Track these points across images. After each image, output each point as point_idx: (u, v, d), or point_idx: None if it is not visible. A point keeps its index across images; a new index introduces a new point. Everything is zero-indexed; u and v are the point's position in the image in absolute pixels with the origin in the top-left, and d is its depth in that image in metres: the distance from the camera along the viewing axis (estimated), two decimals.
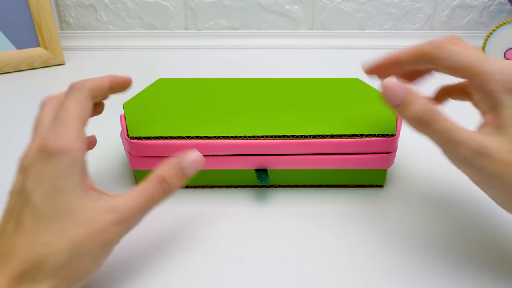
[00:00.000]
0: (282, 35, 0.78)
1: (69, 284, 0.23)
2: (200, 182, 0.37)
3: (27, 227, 0.23)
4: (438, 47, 0.27)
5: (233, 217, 0.34)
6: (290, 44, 0.77)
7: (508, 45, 0.63)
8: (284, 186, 0.37)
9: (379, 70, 0.31)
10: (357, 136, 0.34)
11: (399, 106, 0.26)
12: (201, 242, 0.31)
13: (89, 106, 0.27)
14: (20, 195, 0.24)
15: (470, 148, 0.24)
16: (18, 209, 0.24)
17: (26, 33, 0.66)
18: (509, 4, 0.75)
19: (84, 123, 0.27)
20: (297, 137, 0.34)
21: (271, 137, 0.34)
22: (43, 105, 0.29)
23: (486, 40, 0.64)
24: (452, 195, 0.36)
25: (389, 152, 0.35)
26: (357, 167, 0.36)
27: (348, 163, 0.35)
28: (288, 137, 0.34)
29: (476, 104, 0.28)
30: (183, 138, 0.34)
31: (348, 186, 0.37)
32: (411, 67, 0.30)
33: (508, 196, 0.24)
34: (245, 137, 0.34)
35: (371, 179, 0.37)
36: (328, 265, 0.29)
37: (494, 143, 0.24)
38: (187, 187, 0.37)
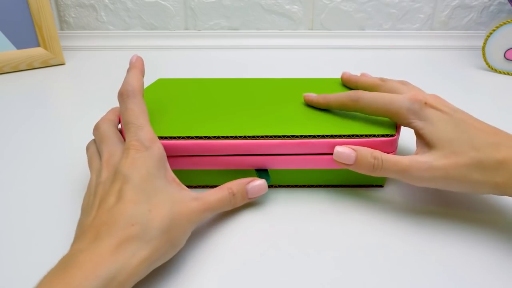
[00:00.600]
0: (282, 35, 0.78)
1: (168, 249, 0.26)
2: (201, 182, 0.37)
3: (131, 199, 0.26)
4: (355, 101, 0.35)
5: (233, 216, 0.34)
6: (290, 44, 0.77)
7: (508, 45, 0.63)
8: (284, 186, 0.37)
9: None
10: (357, 136, 0.34)
11: (352, 166, 0.33)
12: (201, 242, 0.31)
13: (145, 106, 0.32)
14: (115, 178, 0.27)
15: (417, 168, 0.31)
16: (117, 187, 0.27)
17: (26, 33, 0.66)
18: (509, 4, 0.75)
19: (148, 119, 0.32)
20: (297, 137, 0.34)
21: (271, 137, 0.34)
22: (95, 129, 0.34)
23: (486, 40, 0.64)
24: (451, 195, 0.36)
25: (389, 152, 0.35)
26: None
27: None
28: (288, 137, 0.34)
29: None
30: (183, 138, 0.34)
31: (348, 186, 0.37)
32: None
33: (464, 186, 0.30)
34: (245, 137, 0.34)
35: (371, 179, 0.37)
36: (328, 265, 0.29)
37: (430, 156, 0.31)
38: (189, 187, 0.37)
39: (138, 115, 0.31)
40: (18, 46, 0.66)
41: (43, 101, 0.56)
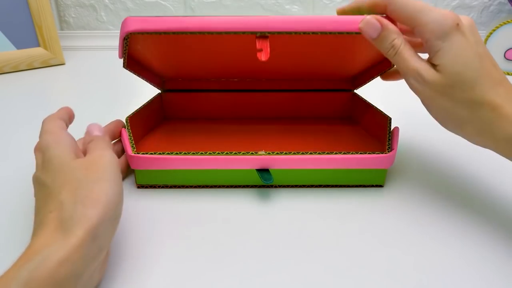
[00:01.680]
0: None
1: (102, 210, 0.25)
2: (201, 182, 0.37)
3: (44, 195, 0.27)
4: (388, 2, 0.32)
5: (233, 216, 0.34)
6: None
7: (508, 45, 0.63)
8: (284, 186, 0.37)
9: (348, 12, 0.36)
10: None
11: (374, 39, 0.32)
12: (203, 241, 0.31)
13: (61, 121, 0.33)
14: (36, 185, 0.28)
15: (414, 77, 0.31)
16: (36, 195, 0.28)
17: (26, 33, 0.66)
18: (509, 4, 0.75)
19: (63, 125, 0.33)
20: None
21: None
22: None
23: (486, 40, 0.64)
24: (451, 194, 0.36)
25: (389, 152, 0.35)
26: (357, 167, 0.36)
27: (348, 163, 0.35)
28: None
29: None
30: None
31: (348, 186, 0.37)
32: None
33: (439, 116, 0.31)
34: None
35: (371, 179, 0.37)
36: (328, 265, 0.29)
37: (431, 76, 0.30)
38: (188, 187, 0.37)
39: (48, 124, 0.32)
40: (18, 46, 0.66)
41: (43, 101, 0.56)
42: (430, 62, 0.31)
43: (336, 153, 0.35)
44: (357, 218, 0.34)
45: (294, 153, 0.35)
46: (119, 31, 0.79)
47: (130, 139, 0.36)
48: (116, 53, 0.74)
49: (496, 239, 0.31)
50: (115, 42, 0.77)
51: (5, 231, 0.32)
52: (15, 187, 0.38)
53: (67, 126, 0.34)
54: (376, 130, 0.40)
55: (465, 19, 0.31)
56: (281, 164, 0.35)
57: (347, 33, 0.32)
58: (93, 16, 0.77)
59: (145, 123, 0.41)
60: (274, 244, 0.31)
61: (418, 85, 0.31)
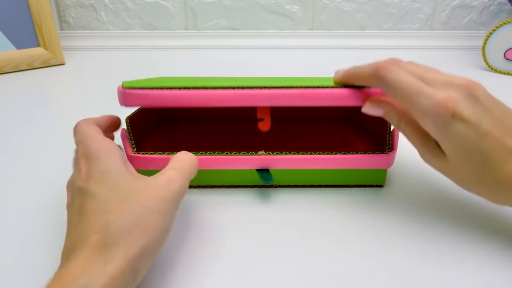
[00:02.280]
0: (282, 35, 0.78)
1: (147, 240, 0.24)
2: (203, 182, 0.37)
3: (91, 208, 0.25)
4: (379, 78, 0.31)
5: (233, 217, 0.34)
6: (290, 44, 0.77)
7: (508, 45, 0.63)
8: (284, 186, 0.37)
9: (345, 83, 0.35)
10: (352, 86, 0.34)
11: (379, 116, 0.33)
12: (203, 241, 0.31)
13: (97, 128, 0.31)
14: (74, 198, 0.26)
15: (421, 154, 0.31)
16: (78, 206, 0.26)
17: (26, 33, 0.66)
18: (509, 4, 0.75)
19: (101, 132, 0.30)
20: (294, 87, 0.33)
21: (265, 88, 0.33)
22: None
23: (486, 40, 0.64)
24: (452, 194, 0.36)
25: (389, 152, 0.35)
26: (357, 167, 0.36)
27: (348, 163, 0.35)
28: (287, 87, 0.33)
29: None
30: (180, 88, 0.33)
31: (348, 186, 0.37)
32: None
33: (454, 181, 0.30)
34: (244, 88, 0.33)
35: (371, 179, 0.37)
36: (328, 265, 0.29)
37: (437, 162, 0.30)
38: (190, 187, 0.37)
39: (84, 129, 0.30)
40: (18, 46, 0.66)
41: (43, 101, 0.56)
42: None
43: (336, 153, 0.35)
44: (357, 218, 0.34)
45: (294, 153, 0.35)
46: (119, 31, 0.79)
47: (130, 139, 0.36)
48: (116, 53, 0.74)
49: (496, 238, 0.31)
50: (115, 42, 0.77)
51: (3, 228, 0.32)
52: (14, 187, 0.38)
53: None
54: (376, 130, 0.40)
55: (462, 97, 0.28)
56: (281, 164, 0.35)
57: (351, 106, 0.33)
58: (93, 16, 0.77)
59: (145, 123, 0.41)
60: (274, 244, 0.31)
61: (430, 160, 0.30)
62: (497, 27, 0.63)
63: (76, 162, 0.28)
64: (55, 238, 0.31)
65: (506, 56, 0.64)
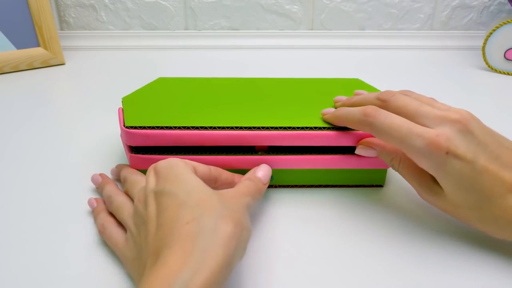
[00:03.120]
0: (282, 35, 0.78)
1: (239, 228, 0.24)
2: None
3: (173, 204, 0.24)
4: (368, 125, 0.30)
5: None
6: (290, 44, 0.77)
7: (508, 45, 0.63)
8: (284, 186, 0.37)
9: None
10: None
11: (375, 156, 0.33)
12: None
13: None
14: (146, 205, 0.26)
15: (423, 190, 0.31)
16: (152, 208, 0.25)
17: (26, 33, 0.66)
18: (509, 4, 0.75)
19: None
20: (294, 128, 0.34)
21: (268, 128, 0.33)
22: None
23: (486, 40, 0.64)
24: None
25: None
26: (357, 167, 0.36)
27: (348, 163, 0.35)
28: (286, 128, 0.34)
29: None
30: (180, 128, 0.34)
31: (348, 186, 0.37)
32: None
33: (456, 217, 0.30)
34: (242, 128, 0.33)
35: (371, 179, 0.37)
36: (328, 265, 0.29)
37: (434, 199, 0.30)
38: None
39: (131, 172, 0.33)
40: (18, 46, 0.66)
41: (43, 101, 0.56)
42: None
43: (336, 153, 0.35)
44: (357, 218, 0.34)
45: (294, 153, 0.35)
46: (119, 31, 0.79)
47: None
48: (116, 53, 0.74)
49: (496, 238, 0.31)
50: (115, 42, 0.77)
51: (3, 228, 0.32)
52: (14, 187, 0.38)
53: None
54: None
55: (455, 134, 0.27)
56: (281, 164, 0.35)
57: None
58: (93, 16, 0.77)
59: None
60: (274, 244, 0.31)
61: (428, 197, 0.30)
62: (497, 27, 0.63)
63: (147, 175, 0.28)
64: (55, 237, 0.31)
65: (506, 56, 0.64)
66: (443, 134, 0.27)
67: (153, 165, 0.28)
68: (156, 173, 0.27)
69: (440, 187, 0.29)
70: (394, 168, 0.32)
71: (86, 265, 0.29)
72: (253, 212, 0.31)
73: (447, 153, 0.27)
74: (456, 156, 0.27)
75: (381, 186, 0.38)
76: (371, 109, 0.30)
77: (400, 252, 0.30)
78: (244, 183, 0.30)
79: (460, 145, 0.27)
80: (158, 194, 0.25)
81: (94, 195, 0.36)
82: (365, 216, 0.34)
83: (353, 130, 0.34)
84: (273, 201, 0.36)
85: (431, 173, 0.28)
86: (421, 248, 0.31)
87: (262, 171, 0.33)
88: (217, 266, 0.21)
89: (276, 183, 0.37)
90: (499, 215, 0.27)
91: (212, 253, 0.21)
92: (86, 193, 0.36)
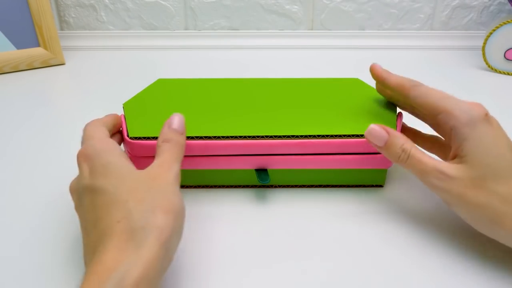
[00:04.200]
0: (282, 35, 0.78)
1: (172, 218, 0.24)
2: (200, 182, 0.37)
3: (103, 203, 0.25)
4: (413, 86, 0.32)
5: (233, 217, 0.34)
6: (290, 44, 0.77)
7: (508, 45, 0.63)
8: (284, 186, 0.37)
9: (375, 76, 0.36)
10: (357, 136, 0.34)
11: (381, 148, 0.32)
12: (201, 242, 0.31)
13: (105, 129, 0.31)
14: (82, 199, 0.26)
15: (437, 176, 0.29)
16: (88, 206, 0.25)
17: (26, 33, 0.66)
18: (509, 4, 0.75)
19: (107, 135, 0.31)
20: (297, 137, 0.34)
21: (271, 137, 0.34)
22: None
23: (486, 40, 0.64)
24: None
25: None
26: (357, 167, 0.36)
27: (348, 163, 0.35)
28: (288, 137, 0.34)
29: (443, 144, 0.35)
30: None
31: (348, 186, 0.37)
32: (392, 93, 0.35)
33: (472, 215, 0.28)
34: (245, 137, 0.34)
35: (371, 179, 0.37)
36: (328, 265, 0.29)
37: (456, 171, 0.28)
38: (188, 187, 0.37)
39: (90, 129, 0.30)
40: (18, 46, 0.66)
41: (43, 101, 0.56)
42: (454, 155, 0.29)
43: (336, 153, 0.35)
44: (357, 218, 0.34)
45: (293, 154, 0.35)
46: (119, 31, 0.79)
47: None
48: (116, 53, 0.74)
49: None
50: (115, 42, 0.77)
51: (2, 228, 0.32)
52: (14, 187, 0.38)
53: (110, 134, 0.32)
54: None
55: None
56: (280, 164, 0.35)
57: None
58: (93, 16, 0.77)
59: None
60: (274, 245, 0.31)
61: (442, 183, 0.29)
62: (497, 27, 0.63)
63: (78, 163, 0.28)
64: (55, 237, 0.31)
65: (506, 56, 0.64)
66: (482, 105, 0.29)
67: (82, 152, 0.28)
68: (87, 163, 0.27)
69: (455, 168, 0.28)
70: (402, 159, 0.31)
71: None
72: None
73: (486, 114, 0.28)
74: (492, 123, 0.28)
75: (381, 186, 0.38)
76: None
77: (400, 251, 0.30)
78: (165, 148, 0.29)
79: (494, 121, 0.29)
80: (90, 190, 0.26)
81: None
82: (365, 216, 0.34)
83: (356, 138, 0.34)
84: (272, 202, 0.36)
85: (462, 132, 0.28)
86: (421, 247, 0.31)
87: (176, 122, 0.31)
88: (152, 259, 0.22)
89: (276, 183, 0.37)
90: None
91: (146, 248, 0.22)
92: None
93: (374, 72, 0.35)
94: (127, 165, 0.27)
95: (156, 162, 0.28)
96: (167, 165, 0.28)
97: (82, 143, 0.30)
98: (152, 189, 0.25)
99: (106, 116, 0.34)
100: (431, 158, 0.30)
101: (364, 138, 0.34)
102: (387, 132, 0.31)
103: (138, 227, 0.23)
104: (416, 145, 0.31)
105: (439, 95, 0.30)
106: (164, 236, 0.23)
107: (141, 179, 0.26)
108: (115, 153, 0.28)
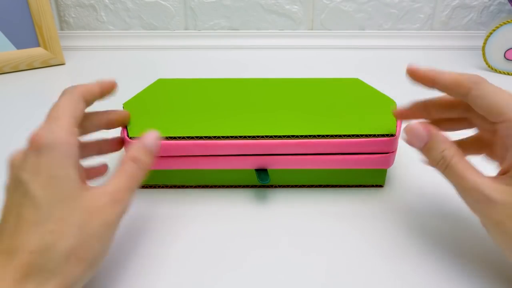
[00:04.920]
0: (282, 35, 0.78)
1: (83, 269, 0.23)
2: (201, 182, 0.37)
3: (30, 219, 0.23)
4: (475, 83, 0.28)
5: (234, 217, 0.34)
6: (290, 44, 0.77)
7: (508, 45, 0.63)
8: (284, 186, 0.37)
9: (419, 78, 0.30)
10: (357, 136, 0.34)
11: (421, 149, 0.28)
12: (201, 241, 0.31)
13: (81, 106, 0.28)
14: (16, 188, 0.24)
15: (476, 197, 0.25)
16: (16, 203, 0.23)
17: (26, 33, 0.66)
18: (509, 4, 0.75)
19: (76, 120, 0.27)
20: (297, 137, 0.34)
21: (271, 137, 0.34)
22: None
23: (486, 40, 0.64)
24: (451, 195, 0.36)
25: (389, 152, 0.35)
26: (357, 167, 0.36)
27: (348, 163, 0.35)
28: (288, 137, 0.34)
29: (494, 152, 0.29)
30: (183, 138, 0.34)
31: (348, 186, 0.37)
32: (444, 95, 0.30)
33: (508, 246, 0.25)
34: (245, 137, 0.34)
35: (371, 179, 0.37)
36: (328, 265, 0.29)
37: (501, 195, 0.24)
38: (188, 187, 0.37)
39: (62, 107, 0.26)
40: (18, 46, 0.66)
41: (44, 101, 0.56)
42: (505, 170, 0.25)
43: (336, 153, 0.35)
44: (357, 218, 0.34)
45: (293, 154, 0.35)
46: (119, 31, 0.79)
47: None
48: (116, 53, 0.74)
49: None
50: (115, 42, 0.77)
51: None
52: None
53: (88, 105, 0.29)
54: None
55: None
56: (280, 164, 0.35)
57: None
58: (93, 16, 0.77)
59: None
60: (274, 245, 0.31)
61: (481, 206, 0.25)
62: (497, 27, 0.63)
63: (29, 145, 0.24)
64: None
65: (506, 56, 0.64)
66: None
67: (38, 138, 0.24)
68: (36, 157, 0.24)
69: (500, 191, 0.25)
70: (440, 167, 0.27)
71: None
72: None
73: None
74: None
75: (381, 186, 0.38)
76: (478, 75, 0.28)
77: (400, 252, 0.30)
78: (127, 169, 0.27)
79: None
80: (24, 191, 0.23)
81: None
82: (365, 216, 0.34)
83: (356, 138, 0.34)
84: (272, 202, 0.36)
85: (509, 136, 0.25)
86: (421, 248, 0.31)
87: (151, 141, 0.29)
88: None
89: (276, 183, 0.37)
90: None
91: None
92: None
93: (417, 74, 0.30)
94: (72, 185, 0.24)
95: (108, 187, 0.25)
96: (117, 197, 0.25)
97: (47, 117, 0.26)
98: (81, 229, 0.23)
99: (91, 85, 0.30)
100: (475, 173, 0.26)
101: (364, 138, 0.34)
102: (430, 133, 0.28)
103: (45, 268, 0.22)
104: (460, 152, 0.27)
105: (504, 98, 0.26)
106: (67, 283, 0.22)
107: (77, 211, 0.23)
108: (69, 162, 0.24)
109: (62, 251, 0.22)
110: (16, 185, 0.24)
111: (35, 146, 0.24)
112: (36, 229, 0.22)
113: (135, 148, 0.28)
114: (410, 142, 0.29)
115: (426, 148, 0.28)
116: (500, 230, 0.25)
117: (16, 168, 0.25)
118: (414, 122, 0.29)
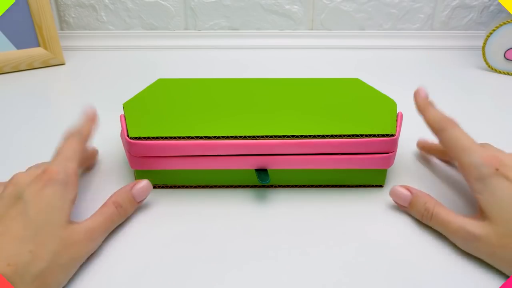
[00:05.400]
0: (282, 35, 0.78)
1: None
2: (201, 182, 0.37)
3: (16, 234, 0.25)
4: (441, 130, 0.32)
5: (234, 217, 0.34)
6: (290, 44, 0.77)
7: (508, 45, 0.63)
8: (284, 186, 0.37)
9: (416, 105, 0.36)
10: (357, 136, 0.34)
11: (406, 208, 0.33)
12: (201, 241, 0.31)
13: (84, 149, 0.33)
14: (14, 204, 0.27)
15: (463, 237, 0.29)
16: (9, 216, 0.26)
17: (26, 33, 0.66)
18: None
19: (80, 162, 0.31)
20: (297, 137, 0.34)
21: (271, 137, 0.34)
22: None
23: (486, 40, 0.64)
24: (451, 195, 0.36)
25: (389, 152, 0.35)
26: (357, 167, 0.36)
27: (348, 163, 0.35)
28: (288, 137, 0.34)
29: None
30: (183, 138, 0.34)
31: (348, 186, 0.37)
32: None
33: (508, 270, 0.28)
34: (245, 137, 0.34)
35: (371, 179, 0.37)
36: (328, 265, 0.29)
37: (482, 229, 0.28)
38: (188, 187, 0.37)
39: (73, 149, 0.31)
40: (18, 46, 0.66)
41: (43, 101, 0.56)
42: (480, 210, 0.29)
43: (336, 153, 0.35)
44: (357, 218, 0.34)
45: (293, 154, 0.35)
46: (119, 31, 0.79)
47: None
48: (116, 53, 0.74)
49: None
50: (115, 42, 0.77)
51: None
52: None
53: (84, 143, 0.33)
54: None
55: (507, 159, 0.29)
56: (280, 164, 0.35)
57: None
58: (93, 16, 0.77)
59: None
60: (274, 245, 0.31)
61: (469, 244, 0.29)
62: (497, 27, 0.63)
63: (45, 172, 0.28)
64: None
65: (506, 56, 0.64)
66: (496, 156, 0.29)
67: (53, 172, 0.28)
68: (45, 181, 0.28)
69: (480, 226, 0.28)
70: (426, 219, 0.32)
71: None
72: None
73: (497, 169, 0.28)
74: (506, 176, 0.28)
75: (381, 186, 0.38)
76: (452, 120, 0.32)
77: (400, 252, 0.30)
78: (110, 212, 0.31)
79: (510, 170, 0.28)
80: (22, 210, 0.26)
81: (93, 195, 0.36)
82: (364, 216, 0.34)
83: (356, 138, 0.34)
84: (272, 201, 0.36)
85: (475, 188, 0.29)
86: (421, 248, 0.31)
87: (139, 190, 0.33)
88: None
89: (276, 183, 0.37)
90: None
91: None
92: (85, 193, 0.36)
93: (416, 99, 0.35)
94: (61, 218, 0.27)
95: (86, 224, 0.29)
96: (92, 236, 0.29)
97: (60, 153, 0.30)
98: (54, 257, 0.26)
99: (82, 125, 0.34)
100: (457, 216, 0.30)
101: (364, 138, 0.34)
102: (410, 192, 0.33)
103: (15, 284, 0.23)
104: (440, 202, 0.31)
105: (460, 145, 0.30)
106: None
107: (56, 240, 0.26)
108: (68, 198, 0.28)
109: (34, 272, 0.24)
110: (14, 201, 0.27)
111: (48, 177, 0.28)
112: (19, 246, 0.25)
113: (120, 194, 0.32)
114: (396, 202, 0.34)
115: (411, 205, 0.33)
116: (495, 259, 0.28)
117: (20, 186, 0.28)
118: (397, 186, 0.34)
